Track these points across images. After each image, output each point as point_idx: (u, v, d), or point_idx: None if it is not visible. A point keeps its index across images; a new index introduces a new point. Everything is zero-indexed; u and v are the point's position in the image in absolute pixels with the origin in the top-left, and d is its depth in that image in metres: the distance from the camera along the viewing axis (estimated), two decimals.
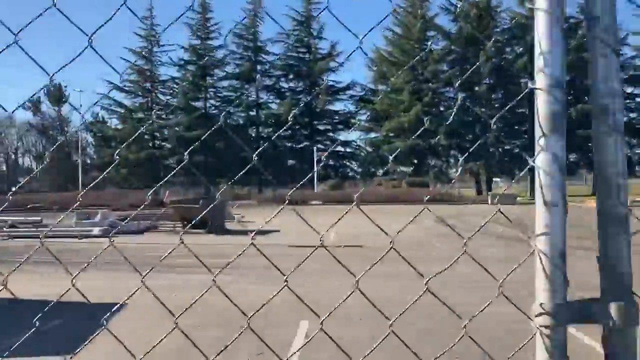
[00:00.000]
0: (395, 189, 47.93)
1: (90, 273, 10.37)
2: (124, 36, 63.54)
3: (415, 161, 57.06)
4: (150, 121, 62.93)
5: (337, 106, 68.86)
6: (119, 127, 66.85)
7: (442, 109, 58.89)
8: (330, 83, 66.84)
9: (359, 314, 7.86)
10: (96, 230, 18.36)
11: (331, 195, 42.51)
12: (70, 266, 11.49)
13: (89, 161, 70.77)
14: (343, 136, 67.05)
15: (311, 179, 50.24)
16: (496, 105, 58.51)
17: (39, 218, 24.30)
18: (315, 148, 53.41)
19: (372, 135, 61.71)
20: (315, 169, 49.83)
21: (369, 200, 39.98)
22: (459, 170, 55.98)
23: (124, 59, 64.83)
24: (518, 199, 39.58)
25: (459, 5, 58.01)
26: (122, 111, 66.49)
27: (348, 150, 67.25)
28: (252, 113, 66.96)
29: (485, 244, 15.95)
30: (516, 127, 61.19)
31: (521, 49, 57.41)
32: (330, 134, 67.43)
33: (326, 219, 21.07)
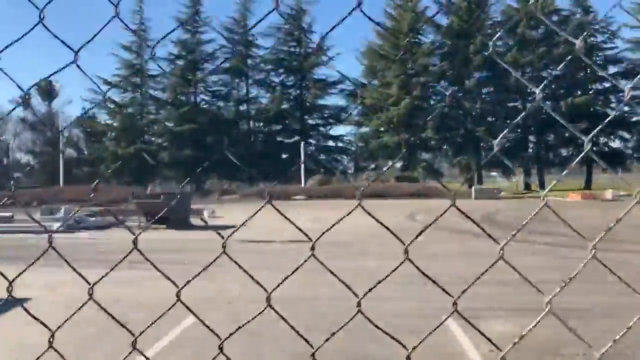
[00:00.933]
0: (385, 184, 47.59)
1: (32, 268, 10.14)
2: (114, 30, 62.57)
3: (405, 156, 56.68)
4: (139, 116, 62.62)
5: (329, 100, 68.59)
6: (109, 122, 66.52)
7: (432, 102, 58.57)
8: (321, 77, 66.51)
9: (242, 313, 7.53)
10: (56, 226, 18.08)
11: (317, 190, 42.21)
12: (17, 261, 11.26)
13: (75, 155, 70.34)
14: (333, 131, 66.74)
15: (299, 174, 49.98)
16: (487, 99, 58.21)
17: (10, 214, 24.05)
18: (302, 143, 53.05)
19: (363, 129, 61.38)
20: (302, 164, 49.55)
21: (353, 196, 39.72)
22: (443, 164, 55.76)
23: (114, 54, 64.97)
24: (502, 193, 39.26)
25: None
26: (112, 106, 66.10)
27: (339, 145, 67.09)
28: (243, 107, 66.65)
29: (440, 239, 15.64)
30: (508, 121, 60.87)
31: (511, 41, 57.02)
32: (321, 129, 67.15)
33: (305, 213, 20.92)
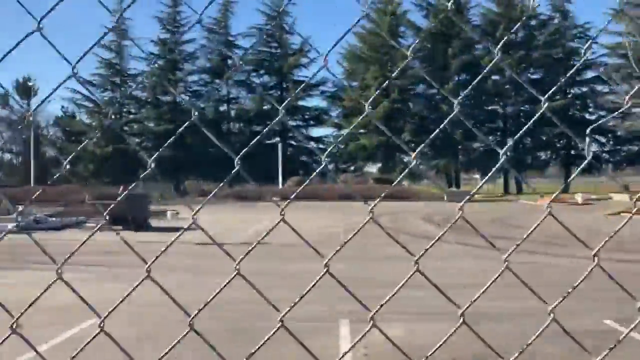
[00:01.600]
0: (360, 186, 47.62)
1: None
2: (94, 29, 62.82)
3: (383, 158, 56.89)
4: (110, 116, 62.16)
5: (310, 102, 68.60)
6: (87, 121, 66.10)
7: (411, 105, 58.80)
8: (302, 79, 66.52)
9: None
10: (10, 226, 17.89)
11: (292, 192, 42.12)
12: None
13: (51, 154, 69.76)
14: (314, 132, 66.78)
15: (276, 175, 49.95)
16: (466, 102, 58.42)
17: None
18: (280, 144, 53.00)
19: (344, 131, 61.46)
20: (280, 165, 49.57)
21: (329, 197, 39.79)
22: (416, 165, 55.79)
23: (94, 53, 64.51)
24: (477, 196, 39.44)
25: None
26: (91, 105, 65.69)
27: (321, 146, 67.06)
28: (223, 108, 66.53)
29: (388, 242, 15.62)
30: (488, 125, 61.30)
31: (490, 44, 57.24)
32: (303, 130, 67.19)
33: (270, 215, 20.61)
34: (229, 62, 66.15)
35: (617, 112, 37.18)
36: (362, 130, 58.37)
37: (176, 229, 20.66)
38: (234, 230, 17.91)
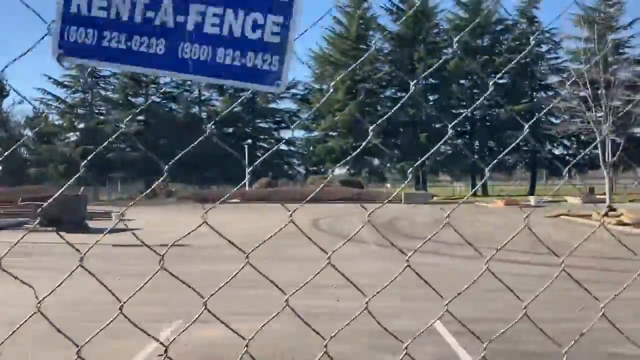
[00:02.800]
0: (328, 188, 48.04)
1: None
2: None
3: (351, 160, 57.36)
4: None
5: (281, 104, 68.98)
6: (57, 122, 65.89)
7: (379, 108, 59.38)
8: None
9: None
10: None
11: (253, 193, 42.62)
12: None
13: (26, 156, 69.46)
14: (285, 134, 67.21)
15: (243, 177, 50.15)
16: (432, 104, 59.24)
17: None
18: (245, 145, 53.33)
19: (314, 134, 62.00)
20: (247, 168, 49.64)
21: (294, 199, 40.14)
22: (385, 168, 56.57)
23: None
24: (434, 198, 40.11)
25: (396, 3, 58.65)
26: (62, 106, 65.54)
27: (292, 148, 67.49)
28: (194, 110, 66.75)
29: (305, 243, 16.11)
30: (458, 129, 62.05)
31: (452, 48, 58.05)
32: (273, 133, 67.60)
33: (224, 216, 20.91)
34: None
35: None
36: (331, 133, 59.01)
37: (114, 231, 20.96)
38: (167, 232, 18.26)
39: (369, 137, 1.94)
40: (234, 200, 39.68)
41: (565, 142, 61.50)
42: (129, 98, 65.01)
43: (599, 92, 25.27)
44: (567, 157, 61.72)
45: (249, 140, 64.42)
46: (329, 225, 22.69)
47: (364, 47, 58.59)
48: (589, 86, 25.43)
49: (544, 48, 62.36)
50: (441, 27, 60.16)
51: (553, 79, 62.02)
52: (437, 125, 59.27)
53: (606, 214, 22.26)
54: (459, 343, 6.51)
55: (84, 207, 20.43)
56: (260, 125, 67.23)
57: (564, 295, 7.66)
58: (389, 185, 63.73)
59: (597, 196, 38.52)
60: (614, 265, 12.48)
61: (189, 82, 66.43)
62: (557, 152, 64.17)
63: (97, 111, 66.40)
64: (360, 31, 57.39)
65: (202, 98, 67.05)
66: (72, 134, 65.67)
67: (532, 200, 35.84)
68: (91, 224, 22.00)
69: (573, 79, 26.39)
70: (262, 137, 66.62)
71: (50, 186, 56.87)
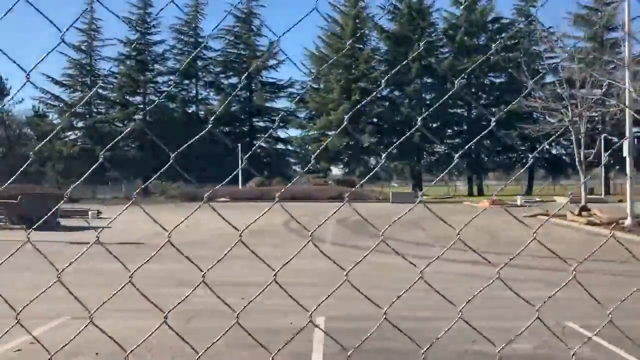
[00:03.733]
0: (318, 187, 48.19)
1: None
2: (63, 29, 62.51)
3: (346, 160, 57.46)
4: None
5: (279, 103, 69.11)
6: (56, 121, 66.32)
7: (375, 107, 59.29)
8: (271, 80, 67.20)
9: None
10: None
11: (242, 192, 42.79)
12: None
13: (27, 154, 69.92)
14: (283, 133, 67.32)
15: (236, 175, 50.37)
16: (427, 103, 59.09)
17: None
18: (239, 145, 53.43)
19: (311, 133, 62.06)
20: (240, 166, 49.78)
21: (284, 198, 40.23)
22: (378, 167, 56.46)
23: (62, 53, 64.83)
24: (424, 197, 39.96)
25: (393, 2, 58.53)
26: (61, 105, 66.00)
27: (289, 147, 67.55)
28: (191, 109, 67.00)
29: (273, 242, 16.27)
30: (455, 129, 61.97)
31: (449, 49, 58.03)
32: (271, 131, 67.65)
33: (202, 215, 20.80)
34: (199, 63, 66.74)
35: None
36: (327, 132, 58.99)
37: (86, 229, 21.12)
38: (134, 231, 18.36)
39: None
40: (223, 199, 39.85)
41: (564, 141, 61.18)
42: (127, 97, 65.27)
43: (572, 91, 25.15)
44: (563, 157, 61.49)
45: (247, 139, 64.59)
46: (304, 224, 22.70)
47: (360, 46, 58.60)
48: (564, 85, 25.27)
49: (542, 47, 62.01)
50: (437, 26, 59.97)
51: (550, 79, 61.79)
52: (434, 125, 59.21)
53: (579, 214, 22.19)
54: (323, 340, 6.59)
55: (52, 205, 20.53)
56: (258, 124, 67.42)
57: (495, 296, 7.69)
58: (395, 184, 63.86)
59: (594, 196, 38.40)
60: (561, 265, 12.42)
61: (186, 82, 66.84)
62: (554, 151, 63.90)
63: (95, 110, 66.79)
64: (356, 30, 57.34)
65: (199, 97, 67.28)
66: (70, 132, 66.14)
67: (518, 200, 35.74)
68: (69, 222, 22.21)
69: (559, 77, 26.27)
70: (259, 136, 66.71)
71: (48, 185, 57.60)
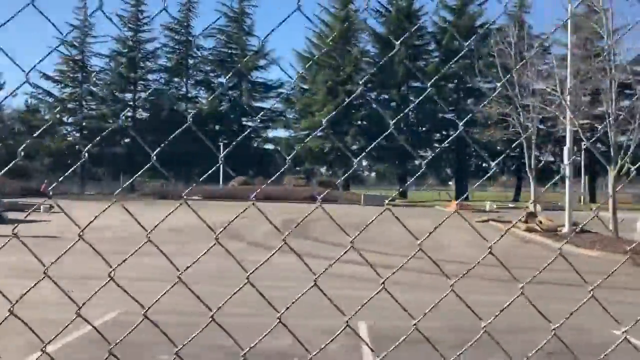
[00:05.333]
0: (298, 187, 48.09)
1: None
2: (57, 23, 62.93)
3: (331, 161, 57.36)
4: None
5: (268, 103, 69.14)
6: (48, 117, 66.72)
7: (362, 109, 59.20)
8: (261, 80, 67.29)
9: None
10: None
11: (217, 192, 42.85)
12: None
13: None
14: (271, 133, 67.38)
15: (217, 174, 50.60)
16: (418, 109, 58.91)
17: None
18: (221, 144, 53.44)
19: (294, 134, 62.06)
20: (221, 165, 49.79)
21: (262, 197, 40.24)
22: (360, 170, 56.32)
23: (56, 49, 65.10)
24: (397, 200, 39.92)
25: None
26: (51, 100, 66.44)
27: (279, 148, 67.52)
28: (181, 107, 67.12)
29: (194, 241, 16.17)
30: (443, 133, 61.70)
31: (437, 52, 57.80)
32: (261, 131, 67.71)
33: (153, 214, 21.12)
34: (190, 61, 67.02)
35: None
36: (319, 134, 58.89)
37: (32, 222, 21.17)
38: (68, 225, 18.29)
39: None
40: (195, 198, 39.89)
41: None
42: (115, 93, 65.56)
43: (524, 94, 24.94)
44: (550, 164, 60.98)
45: (236, 138, 64.63)
46: (241, 225, 22.61)
47: (348, 48, 58.53)
48: (517, 90, 25.06)
49: (533, 53, 61.65)
50: (426, 30, 59.80)
51: (542, 85, 61.39)
52: (420, 129, 59.03)
53: (526, 220, 21.97)
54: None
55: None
56: (247, 124, 67.45)
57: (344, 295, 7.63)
58: (398, 190, 63.38)
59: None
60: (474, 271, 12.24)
61: (176, 79, 67.07)
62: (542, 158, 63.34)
63: (86, 106, 67.14)
64: (344, 32, 57.30)
65: (189, 95, 67.46)
66: (61, 127, 66.48)
67: (487, 205, 35.50)
68: (19, 215, 22.36)
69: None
70: (252, 136, 66.71)
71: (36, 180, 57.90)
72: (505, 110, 25.46)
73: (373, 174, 59.76)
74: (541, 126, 30.20)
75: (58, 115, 64.81)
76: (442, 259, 12.61)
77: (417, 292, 10.05)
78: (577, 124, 18.73)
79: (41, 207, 24.01)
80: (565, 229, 19.44)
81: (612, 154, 17.61)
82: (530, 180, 25.14)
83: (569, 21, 20.43)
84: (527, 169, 24.49)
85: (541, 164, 23.93)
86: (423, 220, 26.00)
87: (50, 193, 38.64)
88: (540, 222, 21.26)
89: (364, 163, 61.21)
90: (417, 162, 57.81)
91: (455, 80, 57.56)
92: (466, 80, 58.32)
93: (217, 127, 66.30)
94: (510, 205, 37.79)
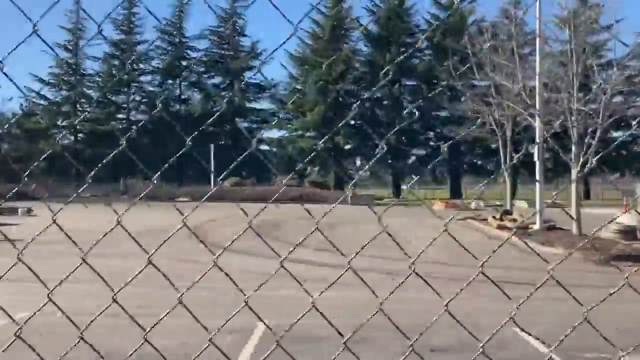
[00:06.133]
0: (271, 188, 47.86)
1: None
2: (49, 28, 63.38)
3: (322, 161, 57.19)
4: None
5: (263, 104, 69.11)
6: (42, 120, 66.86)
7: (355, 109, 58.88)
8: (255, 81, 67.22)
9: None
10: None
11: (196, 192, 42.90)
12: None
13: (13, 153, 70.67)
14: (266, 134, 67.30)
15: (208, 175, 50.67)
16: (408, 106, 58.69)
17: None
18: (212, 145, 53.31)
19: (287, 134, 61.95)
20: (212, 167, 49.94)
21: (245, 199, 40.20)
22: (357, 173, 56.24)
23: (51, 49, 65.42)
24: (383, 199, 39.74)
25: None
26: (46, 104, 66.61)
27: (273, 149, 67.42)
28: (176, 108, 67.17)
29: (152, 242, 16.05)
30: (437, 131, 61.43)
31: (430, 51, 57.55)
32: (254, 132, 67.62)
33: (132, 214, 21.15)
34: (183, 63, 67.04)
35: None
36: (307, 133, 58.84)
37: (5, 225, 21.15)
38: (34, 228, 18.24)
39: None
40: (183, 199, 39.88)
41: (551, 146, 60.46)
42: (109, 97, 65.70)
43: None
44: (545, 162, 60.61)
45: (229, 140, 64.62)
46: (210, 226, 22.54)
47: (339, 47, 58.39)
48: (493, 87, 24.83)
49: (527, 50, 61.36)
50: (418, 28, 59.58)
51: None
52: (415, 127, 58.77)
53: (501, 218, 21.79)
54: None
55: None
56: (243, 124, 67.40)
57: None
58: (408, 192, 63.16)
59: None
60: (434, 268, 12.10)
61: (170, 81, 67.09)
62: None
63: (80, 109, 67.22)
64: (336, 31, 57.18)
65: (183, 97, 67.48)
66: (56, 131, 66.61)
67: (473, 203, 35.28)
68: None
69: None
70: (243, 137, 66.67)
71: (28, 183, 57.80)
72: (481, 108, 25.21)
73: (367, 173, 59.52)
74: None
75: (49, 120, 64.99)
76: (395, 257, 12.48)
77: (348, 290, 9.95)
78: (537, 122, 18.57)
79: (19, 210, 24.00)
80: (536, 226, 19.25)
81: (573, 150, 17.44)
82: (506, 177, 24.94)
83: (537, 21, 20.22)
84: (502, 166, 24.31)
85: (514, 161, 23.70)
86: (401, 219, 25.86)
87: (40, 195, 38.82)
88: (515, 220, 21.10)
89: (357, 163, 61.14)
90: (409, 161, 57.71)
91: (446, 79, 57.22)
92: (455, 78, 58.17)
93: (210, 128, 66.19)
94: (498, 202, 37.45)
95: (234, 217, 25.35)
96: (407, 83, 58.21)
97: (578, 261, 14.42)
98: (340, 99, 56.14)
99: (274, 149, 66.48)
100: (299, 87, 61.41)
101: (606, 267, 14.03)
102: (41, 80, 65.28)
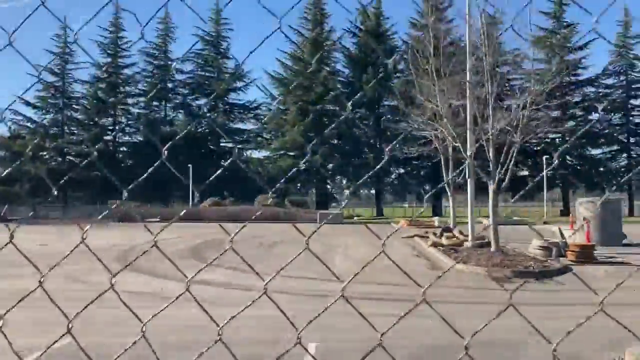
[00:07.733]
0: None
1: None
2: (37, 52, 64.81)
3: (301, 180, 57.59)
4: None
5: (248, 125, 69.75)
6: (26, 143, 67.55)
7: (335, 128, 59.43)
8: (240, 102, 67.99)
9: None
10: None
11: (169, 212, 43.23)
12: None
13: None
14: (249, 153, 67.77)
15: (188, 195, 51.03)
16: (381, 127, 59.16)
17: None
18: (190, 166, 53.79)
19: (268, 154, 62.45)
20: (190, 186, 50.33)
21: (221, 219, 40.58)
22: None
23: (38, 73, 66.21)
24: (355, 218, 40.04)
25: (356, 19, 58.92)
26: (32, 126, 67.41)
27: (259, 168, 67.86)
28: (160, 129, 67.80)
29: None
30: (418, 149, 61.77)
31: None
32: (240, 152, 68.19)
33: (106, 233, 21.22)
34: (169, 85, 67.89)
35: None
36: (288, 153, 59.29)
37: None
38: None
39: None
40: (153, 219, 40.27)
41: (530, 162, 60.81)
42: (95, 119, 66.50)
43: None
44: (527, 178, 60.87)
45: (213, 159, 65.12)
46: (148, 247, 22.76)
47: (319, 68, 59.07)
48: (439, 101, 25.18)
49: (505, 69, 61.94)
50: (398, 49, 60.25)
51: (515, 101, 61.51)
52: (388, 147, 58.96)
53: (441, 235, 22.10)
54: None
55: None
56: (227, 144, 68.05)
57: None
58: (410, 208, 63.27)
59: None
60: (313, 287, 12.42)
61: (155, 103, 67.90)
62: (523, 173, 63.29)
63: (68, 131, 68.03)
64: (315, 52, 57.92)
65: (168, 118, 68.22)
66: (43, 153, 67.30)
67: (436, 221, 35.53)
68: None
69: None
70: (228, 156, 67.25)
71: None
72: (425, 127, 25.64)
73: (347, 192, 59.87)
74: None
75: (36, 141, 65.68)
76: (313, 277, 12.79)
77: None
78: (468, 138, 18.98)
79: None
80: (468, 244, 19.55)
81: (490, 168, 17.81)
82: (449, 196, 25.30)
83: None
84: (445, 185, 24.65)
85: (448, 180, 24.10)
86: (351, 238, 26.13)
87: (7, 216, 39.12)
88: (453, 237, 21.40)
89: (343, 182, 61.52)
90: (390, 179, 58.01)
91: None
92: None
93: (194, 150, 66.81)
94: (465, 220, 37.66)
95: (185, 238, 25.72)
96: (386, 103, 58.74)
97: (483, 278, 14.70)
98: (320, 119, 56.70)
99: (259, 168, 67.13)
100: (282, 107, 62.15)
101: (509, 283, 14.32)
102: (28, 103, 66.16)
